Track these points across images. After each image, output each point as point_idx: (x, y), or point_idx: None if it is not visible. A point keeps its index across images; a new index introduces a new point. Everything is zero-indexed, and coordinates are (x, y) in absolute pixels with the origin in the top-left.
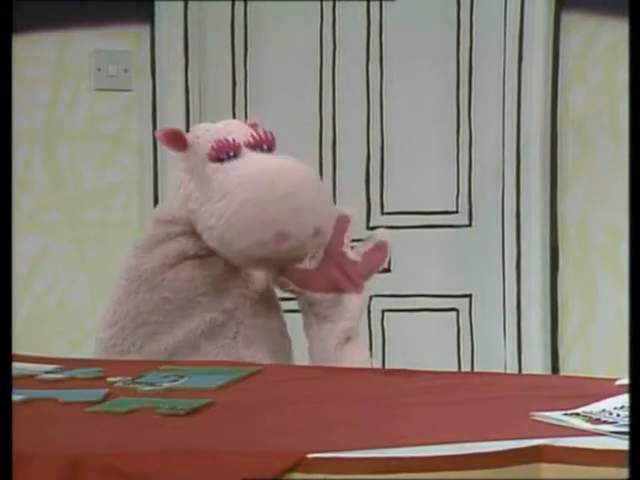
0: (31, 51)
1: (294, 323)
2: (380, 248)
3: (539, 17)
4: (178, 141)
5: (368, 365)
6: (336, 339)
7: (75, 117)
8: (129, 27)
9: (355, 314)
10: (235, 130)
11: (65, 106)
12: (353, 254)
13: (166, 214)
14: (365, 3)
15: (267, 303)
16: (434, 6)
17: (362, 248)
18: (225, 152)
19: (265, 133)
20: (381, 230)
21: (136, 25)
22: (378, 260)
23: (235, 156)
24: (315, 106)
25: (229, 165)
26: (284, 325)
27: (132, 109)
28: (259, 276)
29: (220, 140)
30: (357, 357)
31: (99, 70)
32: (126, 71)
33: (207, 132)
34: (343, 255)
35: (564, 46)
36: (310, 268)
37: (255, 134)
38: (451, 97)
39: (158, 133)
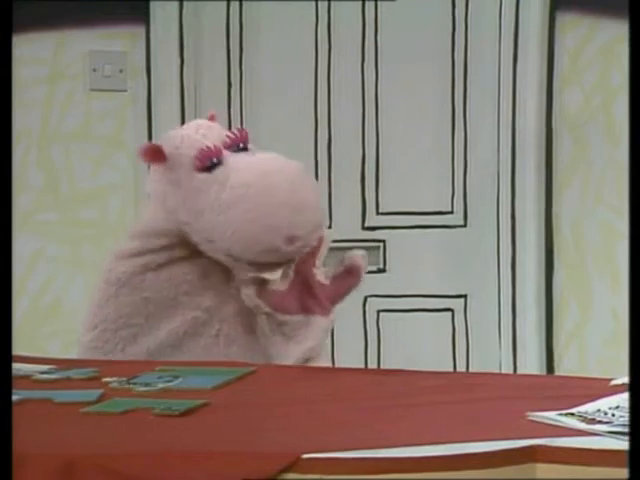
0: (26, 51)
1: None
2: (352, 272)
3: (534, 17)
4: (158, 155)
5: None
6: (294, 359)
7: (70, 117)
8: (124, 27)
9: (318, 337)
10: (208, 133)
11: (60, 106)
12: (323, 276)
13: (149, 227)
14: (360, 3)
15: None
16: (429, 6)
17: (334, 271)
18: (210, 160)
19: (240, 131)
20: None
21: (131, 25)
22: (348, 284)
23: (219, 162)
24: (310, 106)
25: (219, 174)
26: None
27: (127, 109)
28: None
29: (202, 149)
30: None
31: (94, 70)
32: (121, 71)
33: (184, 141)
34: (313, 277)
35: (559, 46)
36: (281, 289)
37: (231, 135)
38: (446, 97)
39: (139, 151)
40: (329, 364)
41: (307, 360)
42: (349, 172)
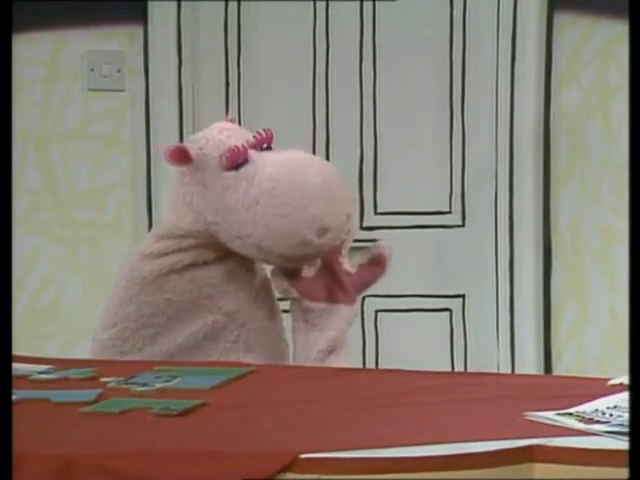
0: (24, 51)
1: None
2: (378, 262)
3: (532, 17)
4: (183, 156)
5: None
6: (319, 347)
7: (68, 117)
8: (122, 27)
9: (343, 325)
10: (233, 134)
11: (58, 106)
12: (350, 265)
13: (176, 229)
14: (358, 3)
15: (268, 307)
16: (427, 6)
17: (361, 259)
18: (239, 159)
19: (265, 132)
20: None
21: (129, 25)
22: (374, 274)
23: (246, 160)
24: (308, 106)
25: (246, 171)
26: (283, 330)
27: (125, 109)
28: (261, 279)
29: (232, 149)
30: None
31: (92, 70)
32: (119, 71)
33: (209, 142)
34: (339, 265)
35: (557, 46)
36: (308, 276)
37: (257, 135)
38: (444, 97)
39: (165, 152)
40: (349, 356)
41: (330, 349)
42: (347, 172)
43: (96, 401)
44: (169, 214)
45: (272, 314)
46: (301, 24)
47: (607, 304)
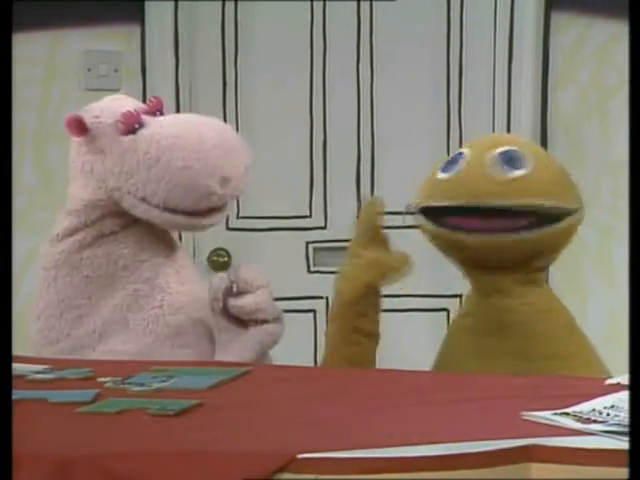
0: (21, 51)
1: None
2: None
3: (529, 17)
4: (80, 126)
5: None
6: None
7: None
8: (119, 27)
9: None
10: (125, 103)
11: (55, 106)
12: None
13: (79, 202)
14: (355, 3)
15: (188, 271)
16: (424, 6)
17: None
18: (134, 122)
19: (156, 99)
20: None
21: (126, 25)
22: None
23: (141, 125)
24: (305, 106)
25: (143, 134)
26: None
27: None
28: (175, 245)
29: (125, 113)
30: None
31: (89, 70)
32: (116, 71)
33: (103, 110)
34: None
35: (554, 46)
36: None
37: (148, 102)
38: (441, 97)
39: (65, 122)
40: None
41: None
42: (344, 171)
43: (93, 401)
44: (71, 187)
45: (194, 277)
46: (298, 24)
47: (604, 303)
